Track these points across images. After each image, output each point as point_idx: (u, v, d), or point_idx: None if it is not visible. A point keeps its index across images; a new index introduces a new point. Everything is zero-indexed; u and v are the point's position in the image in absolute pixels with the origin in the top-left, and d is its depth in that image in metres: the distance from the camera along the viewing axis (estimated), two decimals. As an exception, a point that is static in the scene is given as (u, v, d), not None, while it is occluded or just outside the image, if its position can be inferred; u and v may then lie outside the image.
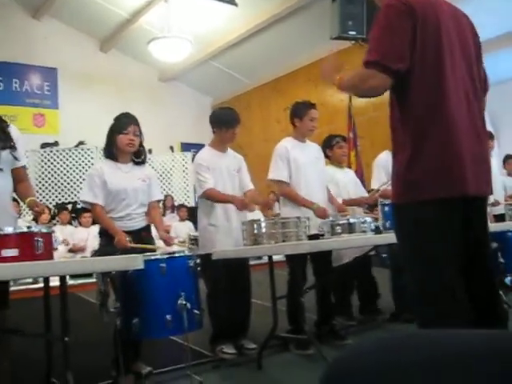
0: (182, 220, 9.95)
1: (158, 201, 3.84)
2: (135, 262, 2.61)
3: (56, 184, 10.98)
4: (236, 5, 10.01)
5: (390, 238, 3.69)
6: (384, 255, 5.66)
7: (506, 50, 8.54)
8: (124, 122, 3.48)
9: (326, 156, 4.84)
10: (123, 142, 3.45)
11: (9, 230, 2.52)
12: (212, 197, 3.94)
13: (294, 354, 3.88)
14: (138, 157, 3.59)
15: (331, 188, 4.62)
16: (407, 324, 4.32)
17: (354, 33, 7.31)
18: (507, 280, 5.33)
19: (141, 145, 3.57)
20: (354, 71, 2.16)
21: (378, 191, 4.60)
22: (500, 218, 5.87)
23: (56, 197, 10.91)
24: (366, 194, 5.01)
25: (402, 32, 2.01)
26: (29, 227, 2.60)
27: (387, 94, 2.24)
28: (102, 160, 3.62)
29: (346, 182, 4.86)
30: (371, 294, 4.96)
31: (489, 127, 2.71)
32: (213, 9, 10.33)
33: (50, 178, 10.96)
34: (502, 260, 4.67)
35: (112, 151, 3.51)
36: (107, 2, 11.04)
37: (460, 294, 2.00)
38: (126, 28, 11.75)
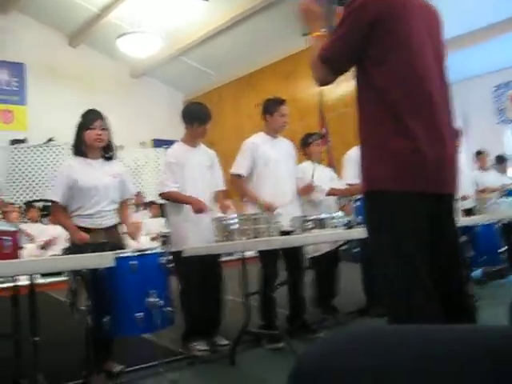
0: (153, 217, 9.87)
1: (128, 199, 3.79)
2: (106, 259, 2.59)
3: (26, 181, 10.83)
4: None
5: (361, 232, 3.73)
6: (355, 250, 5.70)
7: (474, 47, 8.67)
8: (90, 118, 3.45)
9: (304, 153, 4.90)
10: (91, 137, 3.41)
11: (-26, 229, 2.48)
12: (171, 198, 3.99)
13: (266, 349, 3.89)
14: (108, 152, 3.55)
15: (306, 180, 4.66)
16: (377, 318, 4.36)
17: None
18: (475, 273, 5.44)
19: (109, 139, 3.54)
20: (314, 54, 2.18)
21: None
22: (469, 212, 5.97)
23: (27, 194, 10.77)
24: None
25: (359, 30, 2.03)
26: (-5, 226, 2.56)
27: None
28: (71, 157, 3.55)
29: (323, 177, 4.86)
30: (328, 293, 4.92)
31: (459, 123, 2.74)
32: (184, 3, 10.27)
33: (20, 176, 10.80)
34: (470, 253, 4.76)
35: (81, 148, 3.46)
36: (76, -4, 10.92)
37: (431, 289, 2.02)
38: (96, 23, 11.62)
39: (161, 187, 4.00)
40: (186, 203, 3.93)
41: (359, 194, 4.35)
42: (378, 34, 2.03)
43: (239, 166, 4.23)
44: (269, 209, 4.07)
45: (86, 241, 3.23)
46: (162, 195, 4.01)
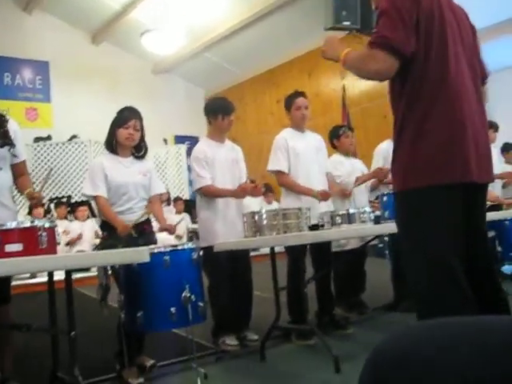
0: (178, 213, 9.90)
1: (160, 194, 3.83)
2: (141, 254, 2.60)
3: (49, 178, 10.93)
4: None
5: (390, 227, 3.71)
6: (381, 245, 5.68)
7: (500, 39, 8.57)
8: (126, 116, 3.46)
9: (334, 146, 4.89)
10: (123, 136, 3.44)
11: (12, 224, 2.48)
12: (209, 193, 3.96)
13: (296, 344, 3.89)
14: (139, 151, 3.57)
15: (337, 176, 4.65)
16: (405, 313, 4.34)
17: (348, 23, 7.15)
18: (505, 268, 5.37)
19: (142, 139, 3.55)
20: (361, 51, 2.10)
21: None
22: (497, 206, 5.90)
23: (50, 191, 10.87)
24: None
25: (408, 16, 2.01)
26: (32, 222, 2.57)
27: (383, 84, 2.26)
28: (101, 153, 3.60)
29: (352, 171, 4.82)
30: (357, 287, 4.92)
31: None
32: (206, 0, 10.29)
33: (43, 173, 10.91)
34: (499, 248, 4.71)
35: (112, 145, 3.49)
36: (99, -6, 10.99)
37: (465, 284, 2.00)
38: (118, 20, 11.70)
39: (198, 182, 3.97)
40: (226, 196, 3.95)
41: (384, 178, 4.37)
42: (418, 25, 2.03)
43: (278, 162, 4.19)
44: (324, 197, 4.10)
45: (127, 231, 3.27)
46: (201, 190, 3.97)
